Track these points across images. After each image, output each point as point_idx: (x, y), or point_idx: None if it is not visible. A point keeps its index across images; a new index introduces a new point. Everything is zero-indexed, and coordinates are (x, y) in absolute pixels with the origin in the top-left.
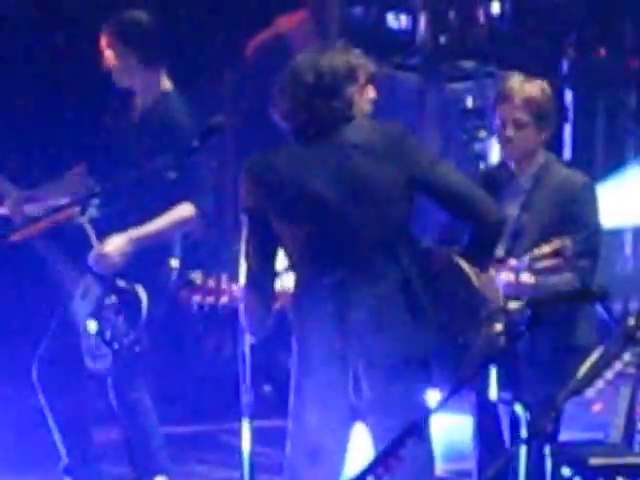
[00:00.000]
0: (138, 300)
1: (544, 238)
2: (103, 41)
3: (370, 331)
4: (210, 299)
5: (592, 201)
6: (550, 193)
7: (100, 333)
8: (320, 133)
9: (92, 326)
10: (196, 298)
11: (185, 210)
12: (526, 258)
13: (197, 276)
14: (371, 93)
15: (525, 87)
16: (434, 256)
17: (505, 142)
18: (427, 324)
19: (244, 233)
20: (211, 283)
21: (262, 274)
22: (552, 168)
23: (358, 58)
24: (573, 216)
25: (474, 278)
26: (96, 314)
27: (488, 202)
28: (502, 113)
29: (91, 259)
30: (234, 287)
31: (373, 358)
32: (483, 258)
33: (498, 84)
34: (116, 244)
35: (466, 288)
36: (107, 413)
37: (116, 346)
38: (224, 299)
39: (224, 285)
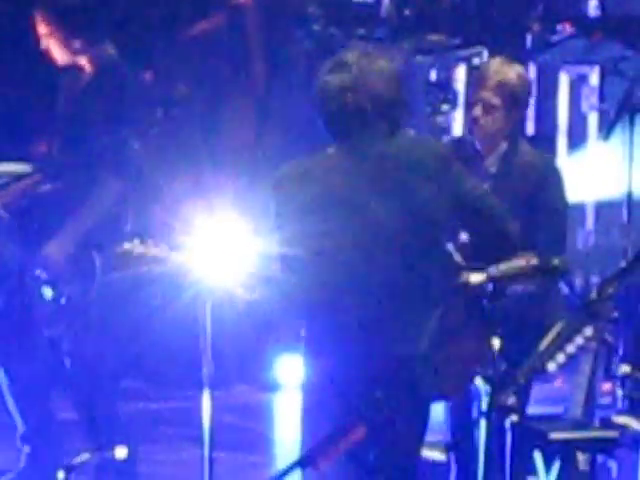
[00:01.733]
0: (92, 265)
1: None
2: (41, 28)
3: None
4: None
5: (559, 185)
6: (517, 179)
7: (55, 301)
8: (370, 142)
9: (48, 293)
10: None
11: (108, 186)
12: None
13: (133, 245)
14: None
15: (501, 71)
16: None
17: (473, 122)
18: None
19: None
20: (150, 251)
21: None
22: (518, 150)
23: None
24: (541, 203)
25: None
26: (52, 283)
27: (515, 227)
28: (475, 94)
29: (37, 268)
30: (173, 255)
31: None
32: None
33: (462, 58)
34: (54, 248)
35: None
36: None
37: (70, 312)
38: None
39: (163, 253)
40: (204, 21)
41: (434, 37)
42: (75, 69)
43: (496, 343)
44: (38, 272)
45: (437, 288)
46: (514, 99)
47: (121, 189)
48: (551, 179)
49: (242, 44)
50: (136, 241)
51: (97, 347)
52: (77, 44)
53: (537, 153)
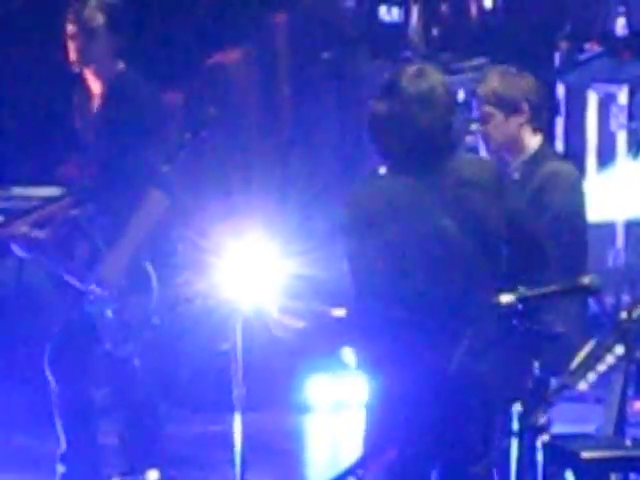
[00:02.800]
0: (147, 276)
1: None
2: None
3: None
4: None
5: (565, 189)
6: (534, 187)
7: (119, 318)
8: (433, 163)
9: (109, 312)
10: None
11: (157, 200)
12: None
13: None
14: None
15: (485, 80)
16: None
17: (482, 138)
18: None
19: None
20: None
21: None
22: (542, 160)
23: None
24: (543, 206)
25: None
26: (110, 301)
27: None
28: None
29: (93, 285)
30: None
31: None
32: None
33: None
34: (109, 265)
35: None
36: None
37: (138, 327)
38: None
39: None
40: (221, 54)
41: (461, 57)
42: (83, 85)
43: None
44: (92, 287)
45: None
46: (504, 101)
47: (167, 202)
48: (572, 186)
49: (271, 64)
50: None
51: (149, 366)
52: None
53: (561, 162)
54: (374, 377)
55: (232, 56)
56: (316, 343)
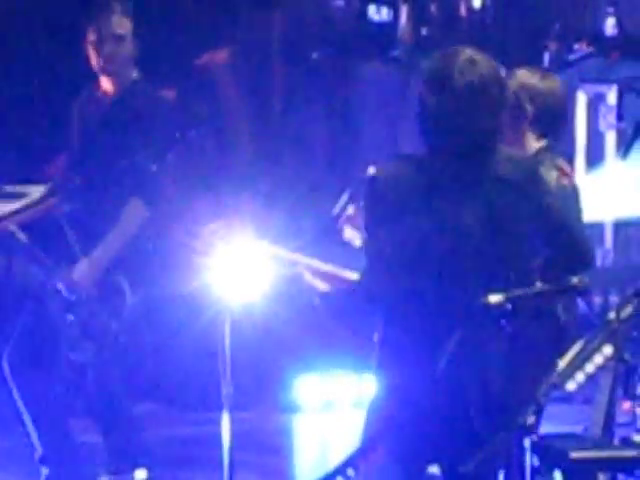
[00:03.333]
0: (120, 290)
1: None
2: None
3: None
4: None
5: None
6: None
7: (82, 325)
8: (473, 157)
9: (71, 317)
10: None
11: (137, 211)
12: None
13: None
14: None
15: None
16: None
17: None
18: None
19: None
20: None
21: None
22: (539, 161)
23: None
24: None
25: None
26: (77, 306)
27: (590, 247)
28: None
29: (61, 286)
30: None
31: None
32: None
33: None
34: (82, 271)
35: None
36: (84, 407)
37: (99, 336)
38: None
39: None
40: (209, 54)
41: None
42: (94, 88)
43: None
44: (60, 286)
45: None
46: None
47: (149, 215)
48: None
49: (261, 64)
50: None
51: (121, 371)
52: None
53: (556, 166)
54: (381, 373)
55: (220, 56)
56: (306, 341)
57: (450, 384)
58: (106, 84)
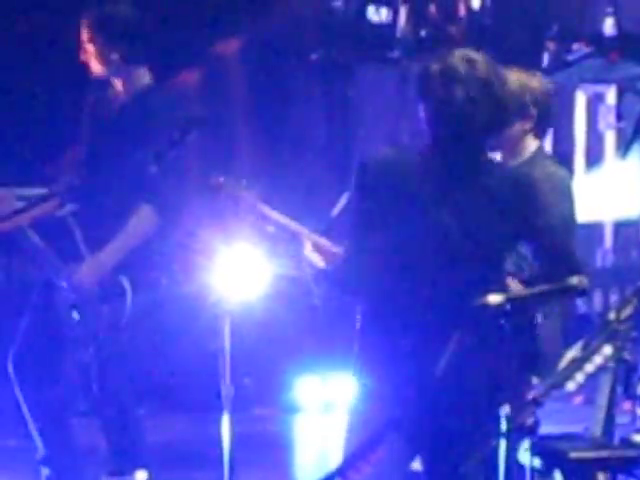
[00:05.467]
0: (122, 290)
1: None
2: (83, 34)
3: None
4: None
5: (565, 202)
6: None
7: (84, 323)
8: (465, 158)
9: (76, 316)
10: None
11: (148, 218)
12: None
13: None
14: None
15: None
16: None
17: None
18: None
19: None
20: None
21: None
22: (538, 164)
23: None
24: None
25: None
26: (80, 304)
27: (581, 267)
28: None
29: (65, 284)
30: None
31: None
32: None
33: None
34: (87, 271)
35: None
36: (88, 407)
37: (101, 335)
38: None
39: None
40: (221, 43)
41: None
42: (107, 91)
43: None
44: (64, 284)
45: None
46: (514, 104)
47: (157, 219)
48: (558, 195)
49: (258, 64)
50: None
51: (123, 371)
52: (114, 56)
53: (557, 168)
54: (359, 375)
55: (233, 45)
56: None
57: (427, 382)
58: (117, 85)
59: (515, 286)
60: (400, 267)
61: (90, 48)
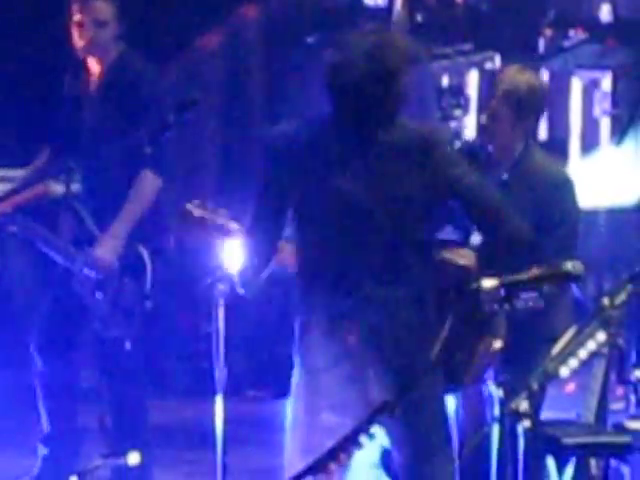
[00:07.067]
0: (141, 259)
1: None
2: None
3: (383, 336)
4: (206, 232)
5: (570, 195)
6: (526, 190)
7: (112, 300)
8: (364, 123)
9: (100, 295)
10: (193, 231)
11: (150, 182)
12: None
13: (193, 206)
14: None
15: (511, 80)
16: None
17: (481, 130)
18: (430, 337)
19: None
20: (208, 215)
21: (270, 224)
22: (530, 158)
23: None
24: (549, 215)
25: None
26: (104, 283)
27: (517, 221)
28: (487, 101)
29: (87, 270)
30: (232, 224)
31: (385, 362)
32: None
33: (474, 63)
34: (105, 248)
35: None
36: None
37: (130, 309)
38: (220, 234)
39: (221, 220)
40: (204, 37)
41: (445, 42)
42: (83, 68)
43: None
44: (86, 272)
45: (412, 276)
46: (522, 109)
47: (159, 182)
48: (563, 188)
49: (253, 49)
50: (196, 202)
51: (145, 346)
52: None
53: (550, 161)
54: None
55: (214, 39)
56: None
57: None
58: (92, 65)
59: (465, 254)
60: (319, 239)
61: (79, 19)
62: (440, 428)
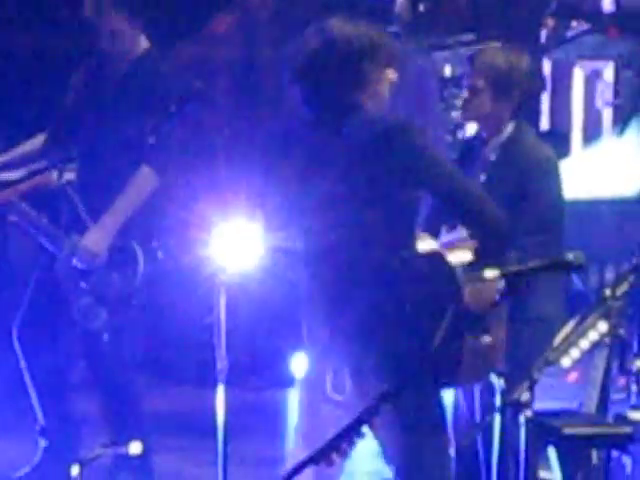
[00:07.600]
0: (134, 255)
1: None
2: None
3: (353, 334)
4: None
5: (544, 177)
6: (509, 169)
7: (95, 292)
8: (323, 115)
9: (84, 285)
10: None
11: (147, 179)
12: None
13: None
14: (391, 75)
15: (488, 54)
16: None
17: (462, 105)
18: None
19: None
20: None
21: None
22: (519, 140)
23: (380, 35)
24: (524, 193)
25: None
26: (88, 273)
27: (493, 212)
28: (465, 78)
29: (75, 261)
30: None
31: (357, 359)
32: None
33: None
34: (94, 238)
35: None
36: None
37: (113, 303)
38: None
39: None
40: (215, 21)
41: (448, 32)
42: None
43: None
44: (74, 262)
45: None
46: (500, 83)
47: (156, 180)
48: (545, 166)
49: (253, 36)
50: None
51: (133, 340)
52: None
53: (538, 144)
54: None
55: (225, 22)
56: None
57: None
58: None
59: (431, 241)
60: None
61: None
62: (429, 419)
